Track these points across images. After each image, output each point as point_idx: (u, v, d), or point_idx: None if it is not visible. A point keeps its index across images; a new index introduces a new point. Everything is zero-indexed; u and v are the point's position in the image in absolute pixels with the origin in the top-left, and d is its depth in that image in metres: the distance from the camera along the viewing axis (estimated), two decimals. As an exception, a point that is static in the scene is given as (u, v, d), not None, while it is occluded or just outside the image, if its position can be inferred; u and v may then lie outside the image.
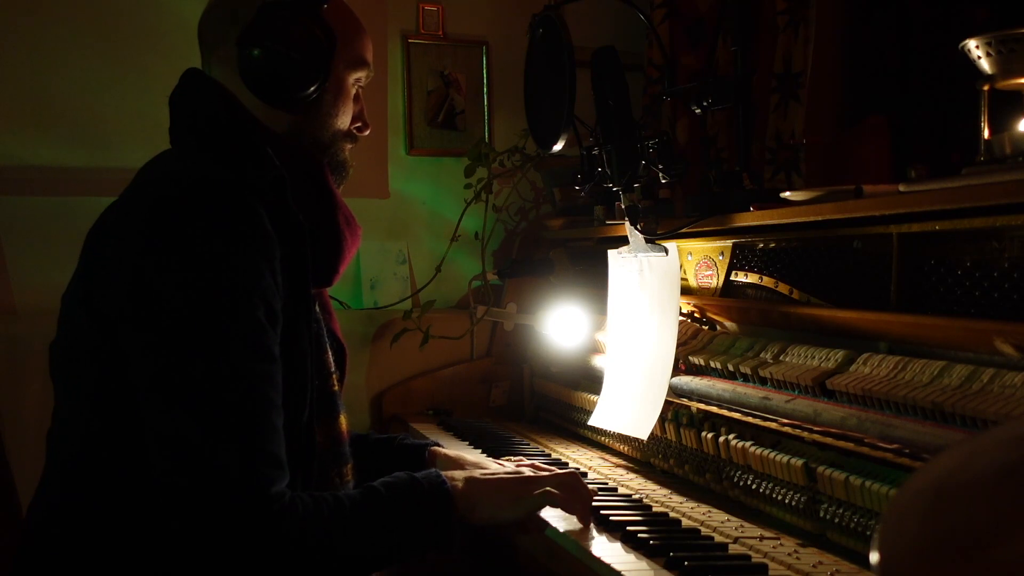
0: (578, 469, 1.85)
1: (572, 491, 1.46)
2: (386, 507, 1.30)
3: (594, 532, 1.43)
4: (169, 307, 1.20)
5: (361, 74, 1.50)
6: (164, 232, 1.22)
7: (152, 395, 1.21)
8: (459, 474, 1.41)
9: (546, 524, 1.44)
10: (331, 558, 1.24)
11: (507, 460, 1.71)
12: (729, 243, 1.83)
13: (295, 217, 1.32)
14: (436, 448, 1.71)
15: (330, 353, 1.49)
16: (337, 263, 1.45)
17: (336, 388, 1.49)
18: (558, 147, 1.89)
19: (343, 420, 1.50)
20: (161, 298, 1.20)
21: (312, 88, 1.39)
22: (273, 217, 1.28)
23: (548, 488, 1.43)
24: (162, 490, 1.20)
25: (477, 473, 1.44)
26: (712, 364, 1.67)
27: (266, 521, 1.18)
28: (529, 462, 1.68)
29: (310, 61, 1.38)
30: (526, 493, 1.42)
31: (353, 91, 1.50)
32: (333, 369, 1.49)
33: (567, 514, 1.46)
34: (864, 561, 1.28)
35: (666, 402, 1.74)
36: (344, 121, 1.49)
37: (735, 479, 1.58)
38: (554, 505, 1.44)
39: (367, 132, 1.55)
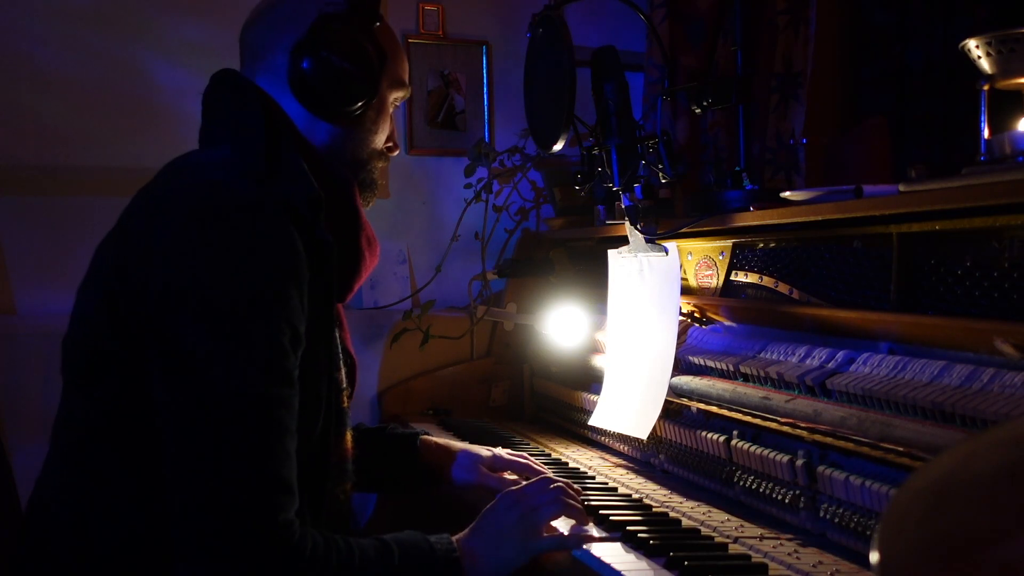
0: (578, 469, 1.85)
1: (566, 504, 1.44)
2: (395, 569, 1.27)
3: (594, 532, 1.43)
4: (194, 328, 1.19)
5: (400, 94, 1.51)
6: (196, 251, 1.21)
7: (167, 410, 1.20)
8: (459, 539, 1.36)
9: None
10: None
11: (500, 449, 1.75)
12: (729, 243, 1.83)
13: (326, 238, 1.31)
14: (426, 437, 1.75)
15: (343, 370, 1.48)
16: (353, 282, 1.45)
17: (345, 405, 1.49)
18: (558, 147, 1.89)
19: (349, 436, 1.50)
20: (187, 319, 1.19)
21: (361, 103, 1.41)
22: (304, 236, 1.27)
23: (553, 535, 1.41)
24: (170, 503, 1.19)
25: (471, 532, 1.38)
26: (712, 364, 1.67)
27: (270, 549, 1.16)
28: (508, 453, 1.73)
29: (362, 75, 1.39)
30: (528, 531, 1.38)
31: (391, 110, 1.51)
32: (344, 386, 1.48)
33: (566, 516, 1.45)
34: (864, 561, 1.28)
35: (666, 402, 1.74)
36: (381, 139, 1.50)
37: (735, 479, 1.58)
38: (567, 547, 1.40)
39: (397, 152, 1.56)
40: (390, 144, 1.53)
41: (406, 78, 1.51)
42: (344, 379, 1.48)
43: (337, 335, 1.47)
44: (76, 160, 2.36)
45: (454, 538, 1.35)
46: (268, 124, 1.35)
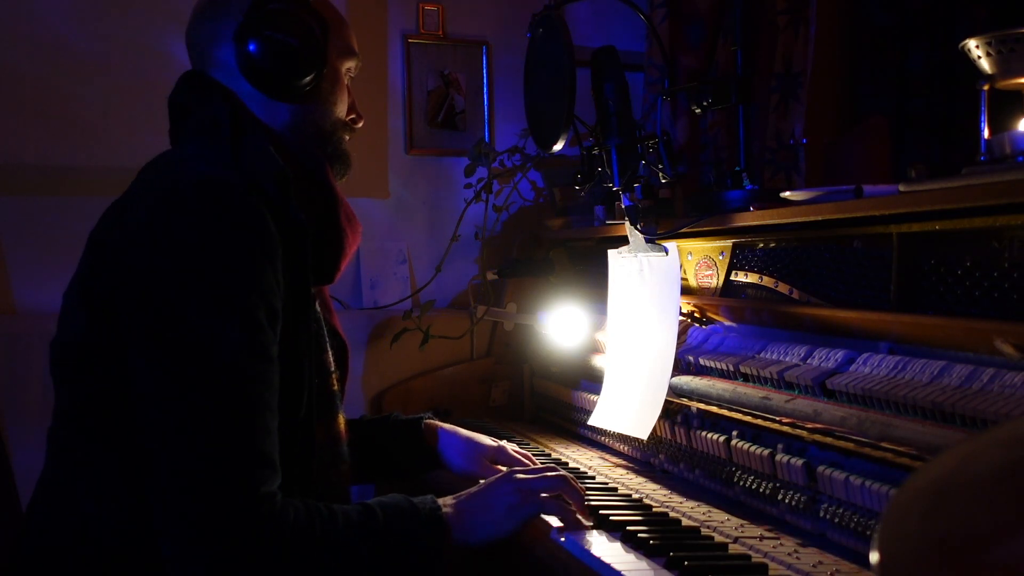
0: (578, 469, 1.85)
1: (565, 494, 1.46)
2: (380, 530, 1.29)
3: (594, 532, 1.43)
4: (170, 306, 1.20)
5: (351, 63, 1.53)
6: (166, 232, 1.23)
7: (147, 391, 1.21)
8: (449, 499, 1.40)
9: (547, 525, 1.44)
10: (314, 571, 1.23)
11: (506, 443, 1.76)
12: (729, 243, 1.83)
13: (298, 215, 1.32)
14: (430, 421, 1.77)
15: (330, 352, 1.49)
16: (338, 260, 1.46)
17: (335, 387, 1.49)
18: (558, 147, 1.89)
19: (341, 419, 1.50)
20: (162, 298, 1.21)
21: (312, 76, 1.42)
22: (276, 216, 1.28)
23: (540, 501, 1.43)
24: (151, 484, 1.20)
25: (465, 494, 1.43)
26: (712, 364, 1.67)
27: (253, 522, 1.17)
28: (514, 448, 1.73)
29: (308, 49, 1.41)
30: (518, 502, 1.41)
31: (345, 80, 1.53)
32: (333, 368, 1.49)
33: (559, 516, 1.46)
34: (864, 561, 1.28)
35: (666, 402, 1.74)
36: (342, 110, 1.52)
37: (735, 479, 1.58)
38: (548, 512, 1.44)
39: (361, 124, 1.58)
40: (353, 116, 1.55)
41: (354, 46, 1.53)
42: (332, 361, 1.48)
43: (322, 316, 1.48)
44: (76, 160, 2.36)
45: (447, 498, 1.39)
46: (232, 114, 1.37)
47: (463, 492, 1.44)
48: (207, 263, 1.21)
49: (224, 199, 1.24)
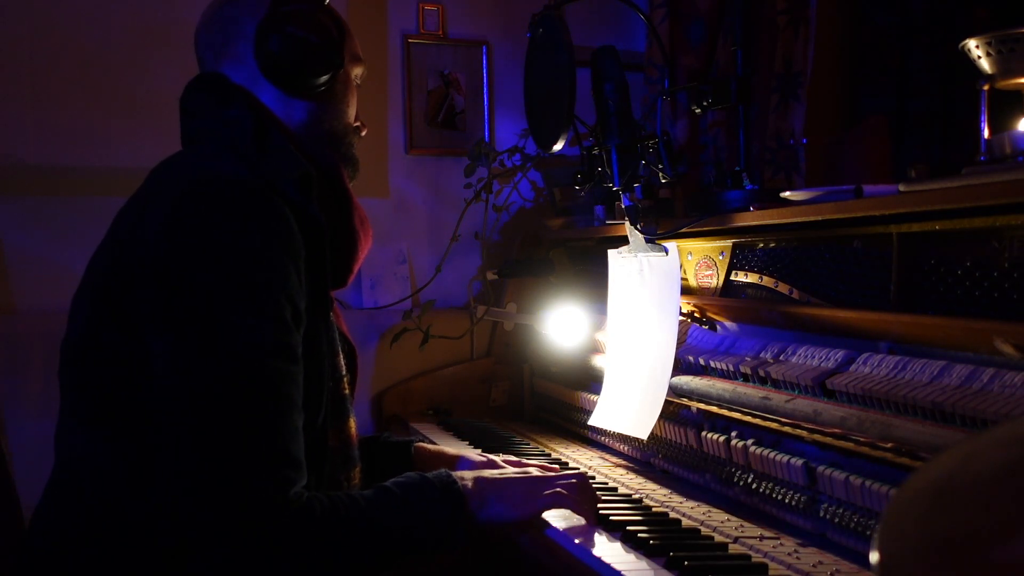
0: (578, 469, 1.85)
1: (581, 493, 1.47)
2: (399, 506, 1.30)
3: (594, 532, 1.43)
4: (196, 304, 1.19)
5: (360, 70, 1.55)
6: (193, 230, 1.21)
7: (173, 391, 1.19)
8: (468, 474, 1.41)
9: (547, 524, 1.44)
10: (345, 558, 1.24)
11: (494, 456, 1.72)
12: (729, 243, 1.83)
13: (319, 215, 1.32)
14: (420, 444, 1.75)
15: (341, 356, 1.49)
16: (351, 264, 1.46)
17: (347, 391, 1.49)
18: (558, 147, 1.89)
19: (352, 423, 1.50)
20: (188, 296, 1.19)
21: (330, 75, 1.44)
22: (297, 217, 1.28)
23: (558, 489, 1.43)
24: (175, 488, 1.18)
25: (486, 473, 1.44)
26: (712, 364, 1.67)
27: (284, 522, 1.17)
28: (504, 460, 1.70)
29: (327, 47, 1.42)
30: (536, 493, 1.42)
31: (354, 85, 1.54)
32: (344, 372, 1.49)
33: (568, 513, 1.46)
34: (864, 561, 1.28)
35: (666, 402, 1.74)
36: (352, 113, 1.53)
37: (735, 479, 1.58)
38: (563, 506, 1.44)
39: (365, 132, 1.58)
40: (358, 123, 1.56)
41: (360, 53, 1.55)
42: (343, 366, 1.48)
43: (334, 321, 1.48)
44: (77, 160, 2.36)
45: (466, 472, 1.41)
46: (254, 114, 1.37)
47: (484, 470, 1.45)
48: (235, 262, 1.20)
49: (250, 199, 1.23)
